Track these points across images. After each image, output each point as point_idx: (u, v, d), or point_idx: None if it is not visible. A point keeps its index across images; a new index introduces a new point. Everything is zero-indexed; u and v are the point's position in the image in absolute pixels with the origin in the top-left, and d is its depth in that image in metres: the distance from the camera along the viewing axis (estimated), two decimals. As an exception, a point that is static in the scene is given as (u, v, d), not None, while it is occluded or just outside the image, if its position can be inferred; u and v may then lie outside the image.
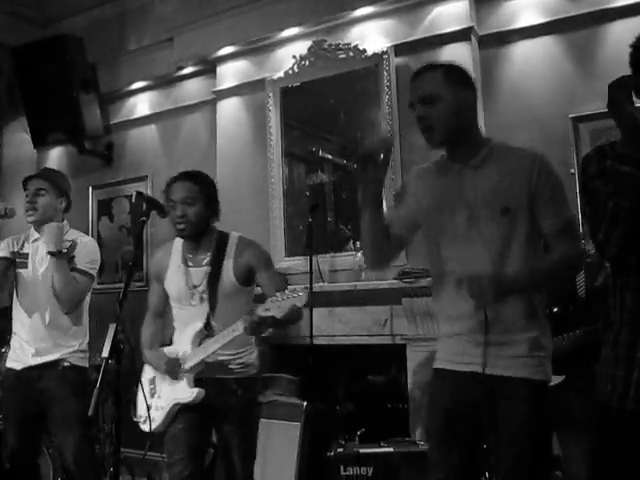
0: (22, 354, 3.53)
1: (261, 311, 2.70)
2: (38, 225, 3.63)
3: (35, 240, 3.64)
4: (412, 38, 4.56)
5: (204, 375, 2.95)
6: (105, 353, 2.66)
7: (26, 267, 3.62)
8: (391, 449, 3.60)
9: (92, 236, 6.16)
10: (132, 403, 3.15)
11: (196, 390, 2.91)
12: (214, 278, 2.99)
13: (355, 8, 4.71)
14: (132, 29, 6.23)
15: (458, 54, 4.38)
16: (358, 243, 4.41)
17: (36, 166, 6.79)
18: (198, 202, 2.98)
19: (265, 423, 3.74)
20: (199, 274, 3.03)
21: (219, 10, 5.30)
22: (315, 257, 4.30)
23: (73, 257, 3.53)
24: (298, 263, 4.66)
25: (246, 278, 3.02)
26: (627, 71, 3.56)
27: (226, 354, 2.96)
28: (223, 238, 3.07)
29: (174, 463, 2.91)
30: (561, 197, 2.22)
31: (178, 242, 3.14)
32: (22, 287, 3.62)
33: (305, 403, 4.04)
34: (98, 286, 4.23)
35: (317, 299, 4.18)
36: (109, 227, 6.18)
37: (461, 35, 4.40)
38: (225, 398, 2.95)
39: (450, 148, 2.30)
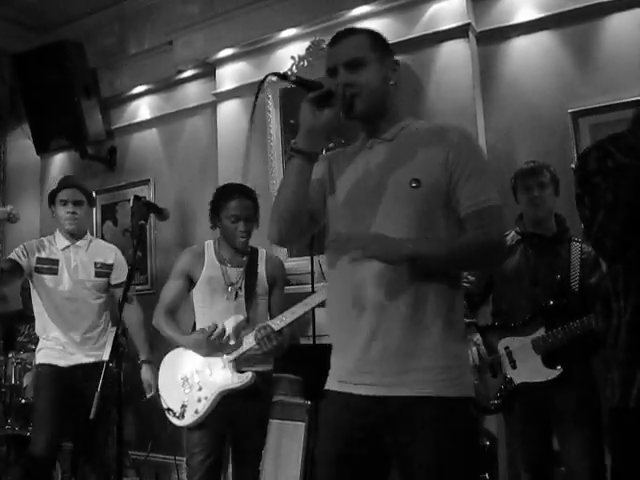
0: (63, 353, 3.79)
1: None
2: (75, 234, 3.94)
3: (66, 247, 3.92)
4: (410, 36, 4.55)
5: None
6: (106, 356, 2.68)
7: (55, 273, 3.85)
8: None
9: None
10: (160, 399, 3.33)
11: (250, 374, 3.17)
12: (251, 277, 3.36)
13: (352, 8, 4.71)
14: (132, 33, 6.25)
15: (456, 51, 4.40)
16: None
17: (40, 172, 6.84)
18: (254, 219, 3.39)
19: (270, 423, 3.76)
20: (236, 273, 3.38)
21: (217, 13, 5.32)
22: (317, 257, 4.30)
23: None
24: (301, 264, 4.66)
25: (270, 287, 3.43)
26: (625, 64, 3.58)
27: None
28: (254, 249, 3.48)
29: (200, 451, 3.16)
30: (483, 178, 1.91)
31: (209, 245, 3.46)
32: (49, 291, 3.84)
33: (309, 403, 4.05)
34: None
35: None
36: (113, 231, 6.21)
37: (459, 32, 4.39)
38: (250, 388, 3.21)
39: (368, 121, 2.04)
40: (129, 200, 6.04)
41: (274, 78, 1.95)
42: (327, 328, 2.09)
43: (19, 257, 3.81)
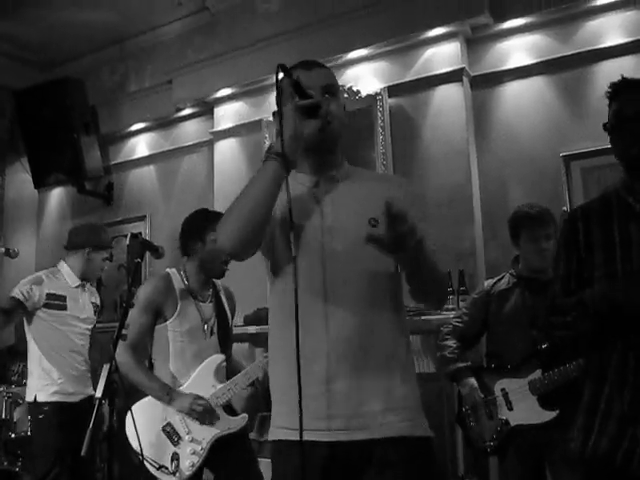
0: (75, 387, 3.88)
1: None
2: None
3: (78, 286, 4.03)
4: (405, 79, 4.64)
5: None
6: (99, 393, 2.67)
7: (65, 309, 3.94)
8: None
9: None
10: (141, 458, 2.92)
11: (245, 415, 3.10)
12: (222, 313, 3.21)
13: (349, 51, 4.81)
14: (132, 72, 6.35)
15: (451, 94, 4.47)
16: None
17: (37, 206, 6.87)
18: None
19: (259, 462, 3.72)
20: (208, 309, 3.19)
21: (216, 54, 5.43)
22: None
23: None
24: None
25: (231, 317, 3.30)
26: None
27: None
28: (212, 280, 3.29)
29: None
30: (426, 226, 1.80)
31: (175, 275, 3.20)
32: (56, 325, 3.91)
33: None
34: (98, 325, 4.29)
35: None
36: (108, 266, 6.19)
37: (453, 76, 4.48)
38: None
39: (325, 152, 1.92)
40: (125, 236, 6.06)
41: (281, 75, 1.79)
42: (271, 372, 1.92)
43: (22, 295, 3.87)
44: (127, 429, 2.99)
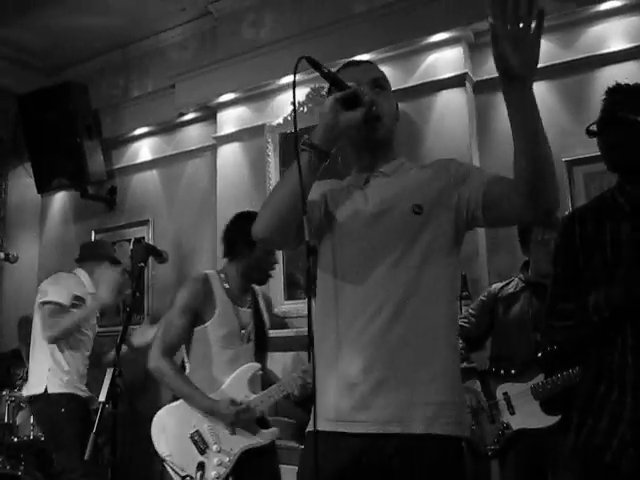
0: (83, 384, 4.07)
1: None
2: None
3: (92, 294, 4.21)
4: (408, 84, 4.64)
5: None
6: (102, 397, 2.67)
7: None
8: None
9: (94, 279, 6.25)
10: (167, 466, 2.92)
11: (275, 430, 3.02)
12: (259, 320, 3.14)
13: (351, 56, 4.76)
14: (135, 77, 6.37)
15: (453, 99, 4.48)
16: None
17: (40, 211, 6.89)
18: None
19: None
20: (246, 315, 3.12)
21: (219, 58, 5.44)
22: (314, 300, 4.32)
23: None
24: (297, 307, 4.69)
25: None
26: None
27: None
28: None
29: None
30: (481, 172, 1.86)
31: (214, 278, 3.11)
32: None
33: (303, 447, 4.00)
34: (100, 329, 4.33)
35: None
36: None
37: (456, 81, 4.48)
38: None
39: (377, 149, 1.92)
40: (128, 240, 6.08)
41: (309, 68, 1.78)
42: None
43: (64, 298, 4.10)
44: (153, 433, 2.95)
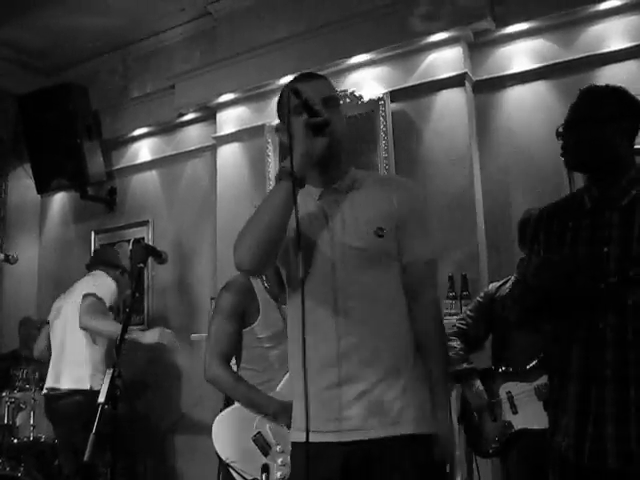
0: None
1: None
2: None
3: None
4: (407, 84, 4.64)
5: None
6: (102, 398, 2.67)
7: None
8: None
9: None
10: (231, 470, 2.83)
11: None
12: None
13: (351, 55, 4.81)
14: (135, 77, 6.36)
15: (453, 99, 4.48)
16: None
17: (40, 211, 6.89)
18: None
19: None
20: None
21: (218, 58, 5.43)
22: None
23: None
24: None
25: None
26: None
27: None
28: None
29: None
30: (427, 231, 2.01)
31: (253, 278, 3.03)
32: None
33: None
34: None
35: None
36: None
37: (455, 81, 4.47)
38: None
39: (326, 164, 1.95)
40: (128, 241, 6.08)
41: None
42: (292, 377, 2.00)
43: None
44: (215, 439, 2.90)
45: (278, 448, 2.83)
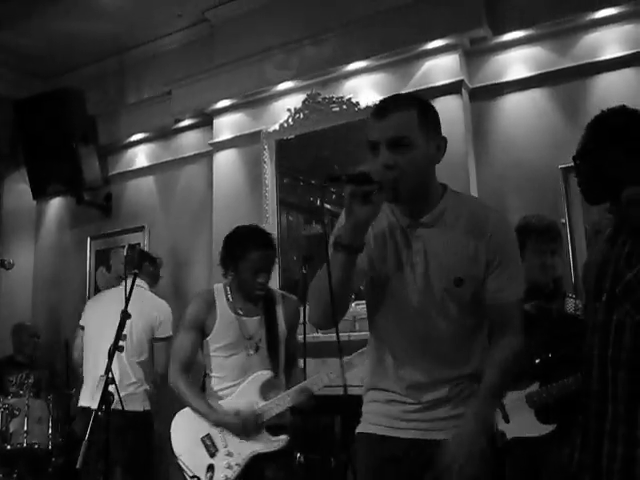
0: None
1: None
2: None
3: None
4: (404, 91, 4.63)
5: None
6: (95, 405, 2.66)
7: None
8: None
9: (89, 286, 6.21)
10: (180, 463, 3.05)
11: (285, 437, 3.00)
12: (272, 328, 3.14)
13: (348, 62, 4.82)
14: (131, 83, 6.36)
15: (449, 106, 4.47)
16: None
17: (35, 217, 6.87)
18: (273, 269, 3.20)
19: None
20: (253, 323, 3.14)
21: (215, 65, 5.43)
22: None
23: None
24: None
25: (289, 331, 3.22)
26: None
27: None
28: (268, 291, 3.22)
29: None
30: (514, 269, 1.97)
31: (219, 291, 3.20)
32: None
33: (298, 455, 4.00)
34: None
35: (311, 349, 4.17)
36: (106, 278, 6.20)
37: (452, 88, 4.48)
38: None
39: (409, 204, 1.95)
40: (123, 247, 6.06)
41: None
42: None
43: None
44: (171, 432, 3.09)
45: (224, 451, 2.97)
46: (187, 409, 3.10)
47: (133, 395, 3.97)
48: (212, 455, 2.97)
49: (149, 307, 4.10)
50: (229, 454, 2.96)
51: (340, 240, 1.82)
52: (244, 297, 3.16)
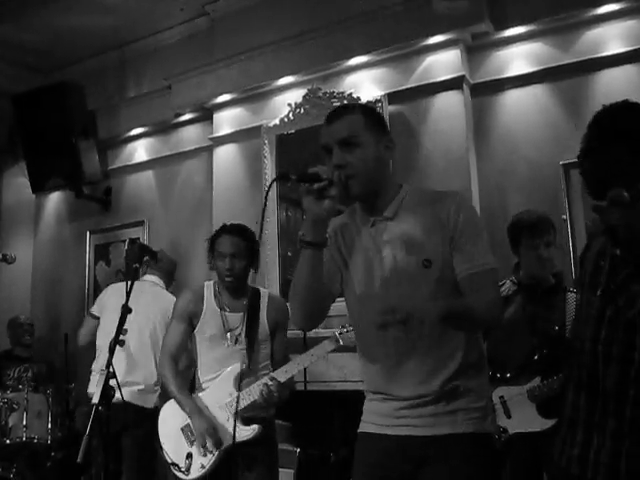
0: None
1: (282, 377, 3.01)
2: None
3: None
4: (405, 86, 4.63)
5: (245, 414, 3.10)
6: (95, 399, 2.65)
7: None
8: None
9: (88, 280, 6.21)
10: (163, 451, 3.19)
11: (256, 427, 3.07)
12: (253, 323, 3.24)
13: (349, 57, 4.80)
14: (131, 77, 6.35)
15: (451, 102, 4.47)
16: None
17: (35, 211, 6.86)
18: (245, 257, 3.23)
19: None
20: (235, 318, 3.25)
21: (216, 59, 5.42)
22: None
23: None
24: (293, 308, 4.67)
25: (272, 332, 3.30)
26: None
27: None
28: (255, 291, 3.36)
29: None
30: (479, 240, 1.99)
31: (209, 287, 3.35)
32: None
33: (298, 450, 4.00)
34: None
35: (311, 345, 4.16)
36: (106, 272, 6.20)
37: (453, 83, 4.47)
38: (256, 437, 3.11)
39: (365, 200, 2.06)
40: (123, 241, 6.05)
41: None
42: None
43: None
44: (158, 421, 3.25)
45: (202, 440, 3.05)
46: (171, 401, 3.24)
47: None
48: (191, 444, 3.10)
49: (167, 303, 4.07)
50: (205, 443, 3.06)
51: (303, 237, 1.94)
52: (231, 294, 3.29)
